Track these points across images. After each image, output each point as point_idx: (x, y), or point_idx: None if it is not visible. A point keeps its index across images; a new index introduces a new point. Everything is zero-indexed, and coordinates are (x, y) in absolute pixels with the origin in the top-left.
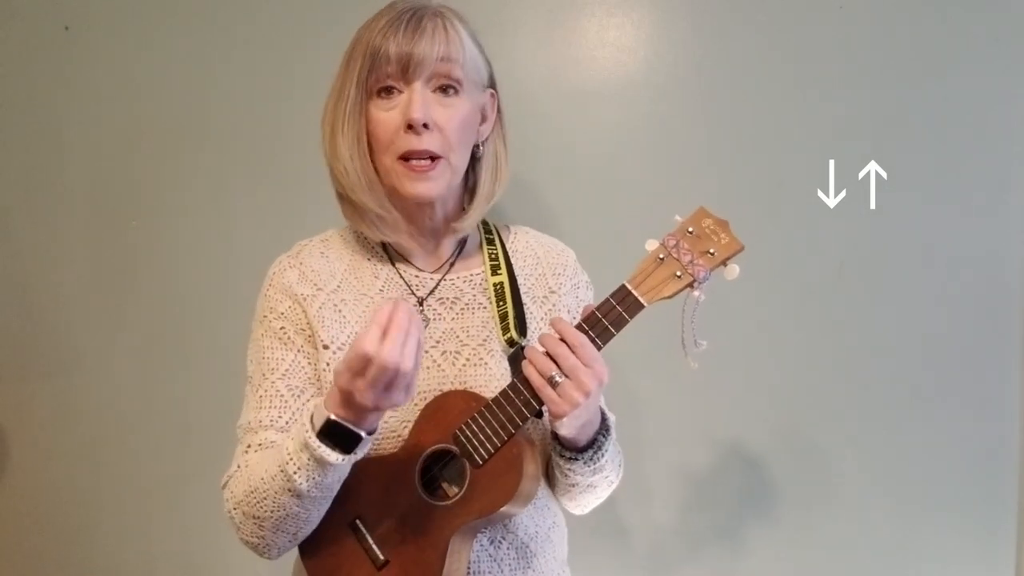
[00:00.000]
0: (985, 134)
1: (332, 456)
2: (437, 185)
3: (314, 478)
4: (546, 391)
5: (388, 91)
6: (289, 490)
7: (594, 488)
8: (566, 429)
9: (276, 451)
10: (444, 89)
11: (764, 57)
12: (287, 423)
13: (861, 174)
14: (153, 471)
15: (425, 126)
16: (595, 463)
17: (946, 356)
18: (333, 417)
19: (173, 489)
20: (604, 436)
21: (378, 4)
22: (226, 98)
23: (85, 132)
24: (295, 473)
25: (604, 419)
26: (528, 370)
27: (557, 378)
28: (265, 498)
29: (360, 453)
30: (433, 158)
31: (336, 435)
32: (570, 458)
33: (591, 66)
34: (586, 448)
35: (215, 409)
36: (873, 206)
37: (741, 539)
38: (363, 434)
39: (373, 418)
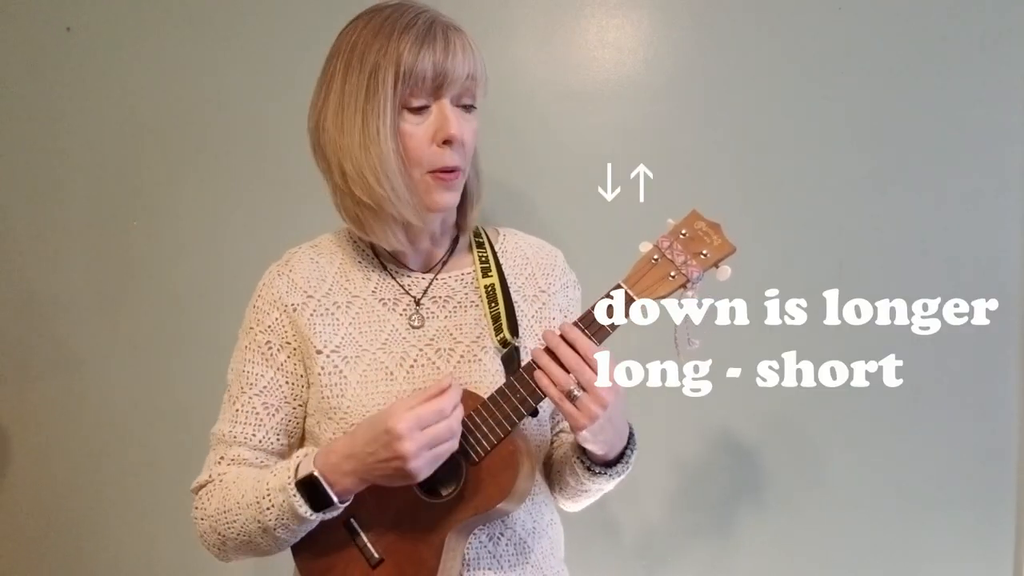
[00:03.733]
0: (984, 134)
1: (303, 509)
2: (458, 195)
3: (283, 520)
4: (565, 405)
5: (418, 107)
6: (259, 522)
7: (602, 490)
8: (593, 444)
9: (256, 480)
10: (464, 106)
11: (763, 58)
12: (260, 441)
13: (861, 174)
14: (153, 470)
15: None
16: (620, 476)
17: (945, 355)
18: (316, 474)
19: (173, 488)
20: (631, 450)
21: None
22: (226, 99)
23: (86, 132)
24: (268, 509)
25: (630, 432)
26: (544, 382)
27: (576, 392)
28: (235, 521)
29: (329, 515)
30: (459, 172)
31: (313, 489)
32: (597, 472)
33: (591, 67)
34: (615, 462)
35: (214, 409)
36: (873, 206)
37: (737, 536)
38: (335, 499)
39: (354, 488)
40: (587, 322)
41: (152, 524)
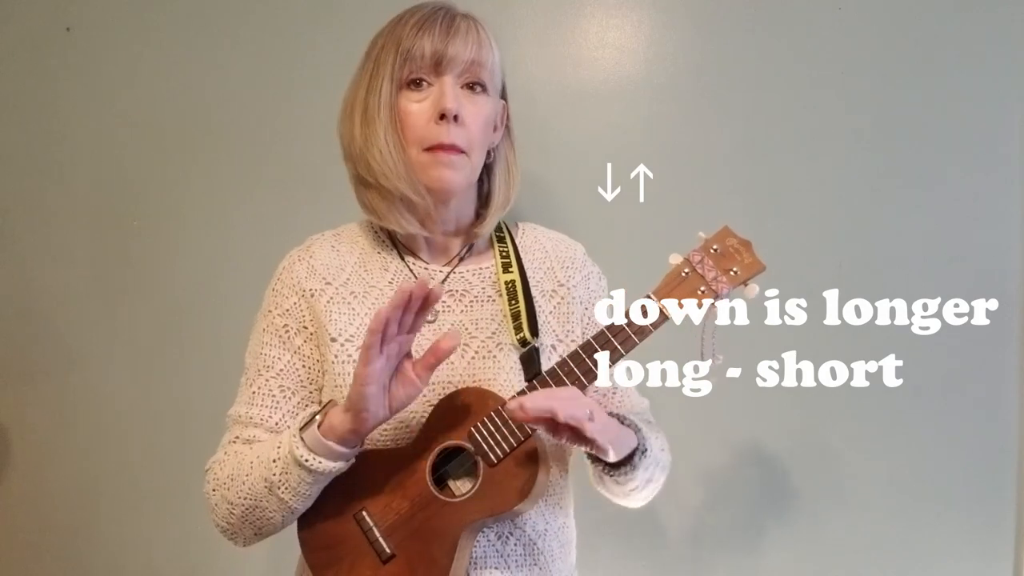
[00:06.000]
0: (984, 134)
1: (300, 451)
2: (459, 175)
3: (287, 473)
4: (587, 426)
5: (418, 83)
6: (266, 480)
7: (650, 482)
8: (612, 447)
9: (272, 440)
10: (471, 86)
11: (763, 58)
12: (276, 423)
13: (861, 174)
14: (153, 470)
15: (455, 118)
16: (645, 460)
17: (945, 355)
18: (319, 418)
19: (173, 488)
20: (636, 430)
21: (378, 8)
22: (227, 99)
23: (86, 133)
24: (274, 461)
25: (625, 421)
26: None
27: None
28: (243, 483)
29: (328, 464)
30: (457, 152)
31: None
32: (625, 472)
33: (591, 67)
34: (632, 455)
35: (215, 408)
36: (873, 205)
37: (736, 536)
38: (318, 420)
39: (342, 427)
40: (615, 331)
41: (151, 523)
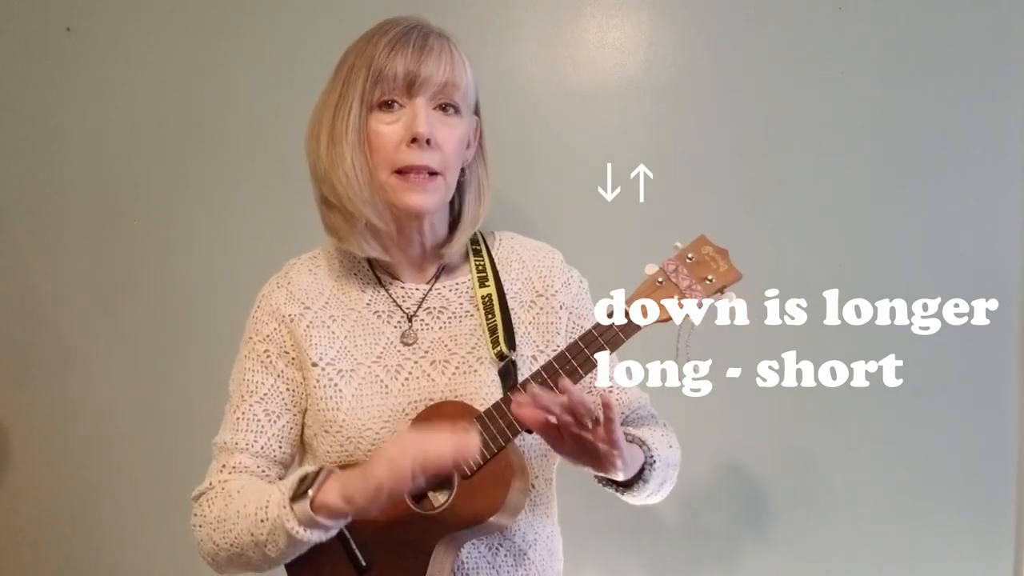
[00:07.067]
0: (984, 134)
1: (290, 523)
2: (432, 199)
3: (274, 536)
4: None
5: (389, 105)
6: (252, 534)
7: (664, 483)
8: (622, 473)
9: (260, 492)
10: (444, 107)
11: (763, 58)
12: (262, 448)
13: (861, 174)
14: (152, 471)
15: (427, 142)
16: (655, 472)
17: (945, 355)
18: (311, 492)
19: (172, 489)
20: (641, 444)
21: (377, 10)
22: (226, 100)
23: (86, 133)
24: (262, 522)
25: (628, 436)
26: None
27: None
28: (230, 531)
29: (315, 537)
30: (431, 174)
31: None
32: (637, 489)
33: (591, 68)
34: (642, 470)
35: (214, 408)
36: (872, 205)
37: (734, 535)
38: (311, 495)
39: (336, 502)
40: (587, 340)
41: (151, 524)
